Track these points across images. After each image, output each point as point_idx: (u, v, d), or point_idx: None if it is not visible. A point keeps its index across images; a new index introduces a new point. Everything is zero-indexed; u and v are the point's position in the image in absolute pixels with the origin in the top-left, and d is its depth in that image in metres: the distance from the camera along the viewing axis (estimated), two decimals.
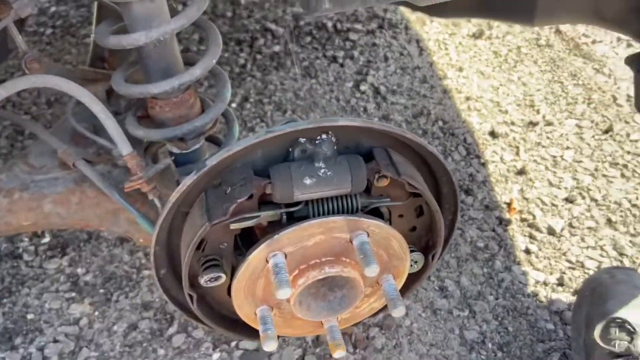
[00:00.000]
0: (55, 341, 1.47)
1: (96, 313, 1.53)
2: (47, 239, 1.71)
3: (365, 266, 0.76)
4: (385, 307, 1.00)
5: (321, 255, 0.82)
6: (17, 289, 1.59)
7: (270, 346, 0.81)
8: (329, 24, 2.50)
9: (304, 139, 0.80)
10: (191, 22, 0.97)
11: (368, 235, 0.80)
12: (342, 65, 2.31)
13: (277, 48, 2.41)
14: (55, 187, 1.13)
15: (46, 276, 1.62)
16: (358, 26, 2.49)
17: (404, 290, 1.02)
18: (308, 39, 2.45)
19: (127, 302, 1.55)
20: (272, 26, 2.50)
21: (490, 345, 1.45)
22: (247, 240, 0.86)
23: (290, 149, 0.81)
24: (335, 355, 0.86)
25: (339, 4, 0.93)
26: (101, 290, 1.58)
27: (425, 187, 0.86)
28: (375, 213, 0.88)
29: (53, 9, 2.70)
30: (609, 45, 2.37)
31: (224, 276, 0.84)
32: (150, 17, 0.95)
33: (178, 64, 1.05)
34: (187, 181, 0.78)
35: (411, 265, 0.94)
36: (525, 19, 1.16)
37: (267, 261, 0.79)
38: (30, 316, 1.53)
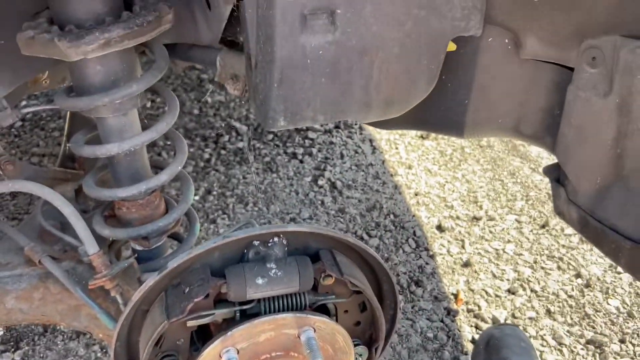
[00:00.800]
0: None
1: None
2: (0, 333, 1.70)
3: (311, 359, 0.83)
4: None
5: (271, 351, 0.89)
6: None
7: None
8: None
9: (258, 242, 0.90)
10: (160, 135, 1.08)
11: (315, 330, 0.88)
12: (301, 161, 2.47)
13: (240, 144, 2.56)
14: (20, 284, 1.17)
15: None
16: (317, 126, 2.68)
17: None
18: (270, 136, 2.61)
19: None
20: (237, 124, 2.67)
21: None
22: (203, 336, 0.92)
23: (245, 251, 0.91)
24: None
25: (292, 122, 1.07)
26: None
27: (367, 285, 0.96)
28: (323, 309, 0.97)
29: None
30: None
31: None
32: (123, 130, 1.06)
33: (146, 170, 1.15)
34: (149, 282, 0.86)
35: (356, 358, 1.02)
36: (456, 133, 1.33)
37: (220, 357, 0.86)
38: None
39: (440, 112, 1.31)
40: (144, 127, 1.10)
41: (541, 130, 1.28)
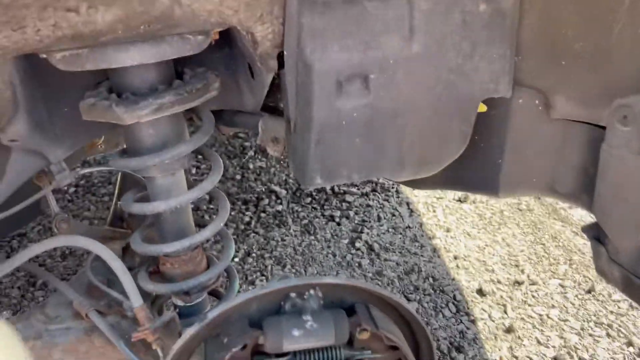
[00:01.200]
0: None
1: None
2: None
3: None
4: None
5: None
6: None
7: None
8: (328, 187, 2.74)
9: (294, 294, 0.93)
10: (205, 193, 1.15)
11: None
12: (338, 224, 2.50)
13: (279, 207, 2.62)
14: (67, 337, 1.22)
15: None
16: (354, 189, 2.73)
17: None
18: (308, 199, 2.67)
19: None
20: (277, 188, 2.75)
21: None
22: None
23: (282, 303, 0.93)
24: None
25: (329, 180, 1.12)
26: None
27: (403, 340, 0.95)
28: None
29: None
30: (585, 210, 2.57)
31: None
32: (170, 189, 1.13)
33: (190, 227, 1.21)
34: (190, 331, 0.89)
35: None
36: (491, 192, 1.34)
37: None
38: None
39: (474, 171, 1.33)
40: (190, 187, 1.17)
41: (577, 188, 1.28)
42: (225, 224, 1.35)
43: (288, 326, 0.89)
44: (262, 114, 1.28)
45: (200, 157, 2.55)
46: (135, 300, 1.09)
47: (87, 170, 1.19)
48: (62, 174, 1.17)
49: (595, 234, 1.34)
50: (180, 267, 1.22)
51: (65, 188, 2.82)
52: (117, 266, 1.07)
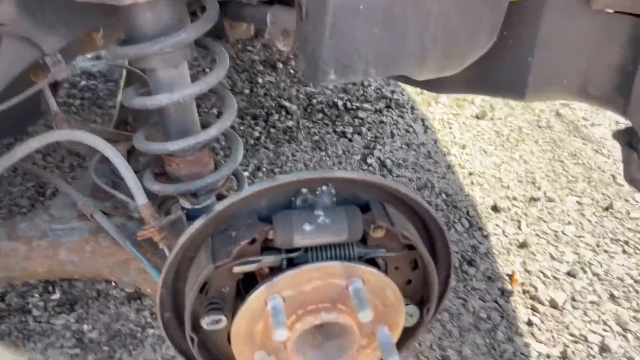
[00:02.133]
0: None
1: None
2: (57, 295, 1.75)
3: (359, 311, 0.79)
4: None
5: (318, 302, 0.86)
6: (22, 344, 1.61)
7: None
8: (340, 103, 2.65)
9: (306, 190, 0.87)
10: (209, 88, 1.07)
11: (363, 282, 0.84)
12: (350, 140, 2.43)
13: (290, 123, 2.55)
14: (72, 237, 1.19)
15: (52, 332, 1.64)
16: (367, 105, 2.63)
17: (401, 345, 1.04)
18: (319, 115, 2.58)
19: (130, 359, 1.56)
20: (287, 103, 2.65)
21: None
22: (249, 287, 0.90)
23: (293, 199, 0.88)
24: None
25: (343, 75, 1.04)
26: (105, 348, 1.59)
27: (419, 239, 0.91)
28: (372, 264, 0.93)
29: (83, 82, 2.90)
30: (608, 128, 2.48)
31: (224, 319, 0.87)
32: (173, 82, 1.05)
33: (195, 125, 1.14)
34: (196, 224, 0.84)
35: (406, 319, 0.97)
36: (517, 95, 1.25)
37: (266, 304, 0.83)
38: None
39: (500, 71, 1.24)
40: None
41: (611, 90, 1.19)
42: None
43: (299, 220, 0.84)
44: (270, 5, 1.18)
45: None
46: (140, 198, 1.04)
47: (85, 65, 1.10)
48: (57, 66, 1.09)
49: (628, 139, 1.26)
50: (187, 167, 1.16)
51: (71, 100, 2.75)
52: (120, 162, 1.02)
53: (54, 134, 1.02)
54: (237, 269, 0.86)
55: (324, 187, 0.88)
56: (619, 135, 1.26)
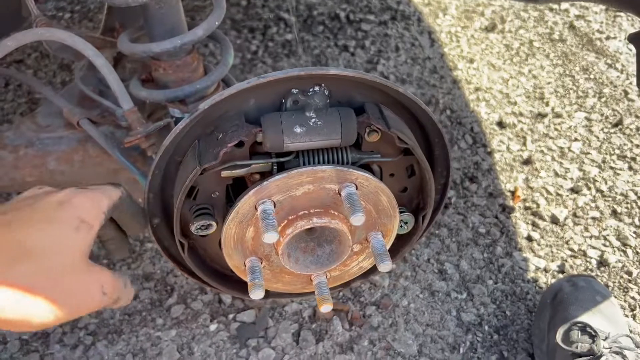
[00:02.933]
0: None
1: None
2: None
3: (351, 214, 0.77)
4: (374, 268, 1.01)
5: (309, 207, 0.83)
6: None
7: (257, 294, 0.82)
8: (342, 15, 2.52)
9: (297, 90, 0.82)
10: None
11: (356, 187, 0.81)
12: (352, 54, 2.33)
13: (289, 36, 2.43)
14: (60, 146, 1.16)
15: None
16: (371, 17, 2.50)
17: (395, 254, 1.02)
18: (320, 28, 2.47)
19: (129, 272, 1.58)
20: (285, 15, 2.53)
21: (487, 327, 1.44)
22: (238, 192, 0.87)
23: (283, 100, 0.83)
24: (322, 309, 0.86)
25: None
26: (104, 261, 1.60)
27: (416, 143, 0.86)
28: (366, 170, 0.89)
29: None
30: (623, 41, 2.35)
31: (214, 225, 0.85)
32: None
33: (182, 26, 1.07)
34: (181, 125, 0.80)
35: (401, 226, 0.95)
36: None
37: (256, 209, 0.81)
38: None
39: None
40: None
41: None
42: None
43: (289, 122, 0.79)
44: None
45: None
46: (125, 103, 0.99)
47: None
48: None
49: None
50: (175, 72, 1.10)
51: (61, 14, 2.63)
52: (101, 63, 0.96)
53: (31, 32, 0.96)
54: (225, 173, 0.82)
55: (317, 88, 0.82)
56: (634, 37, 1.18)
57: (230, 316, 1.46)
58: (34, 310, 0.62)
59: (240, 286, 1.04)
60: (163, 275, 1.56)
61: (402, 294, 1.51)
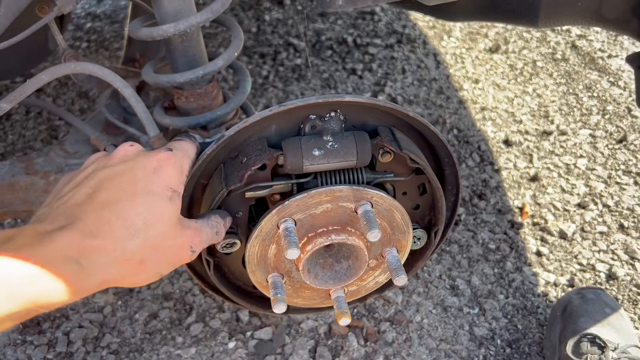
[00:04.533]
0: (80, 327, 1.54)
1: (119, 302, 1.60)
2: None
3: (368, 231, 0.81)
4: (389, 283, 1.05)
5: (328, 224, 0.88)
6: None
7: (280, 308, 0.86)
8: (349, 39, 2.60)
9: (314, 116, 0.88)
10: (215, 17, 1.06)
11: (372, 205, 0.86)
12: (360, 77, 2.40)
13: (298, 61, 2.51)
14: None
15: None
16: (377, 41, 2.58)
17: (409, 268, 1.07)
18: (329, 52, 2.54)
19: (148, 292, 1.62)
20: (295, 41, 2.61)
21: (499, 341, 1.48)
22: (261, 212, 0.93)
23: (302, 125, 0.89)
24: (341, 322, 0.91)
25: (351, 1, 1.01)
26: None
27: (427, 163, 0.92)
28: (381, 189, 0.94)
29: (89, 25, 2.87)
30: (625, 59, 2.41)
31: (238, 243, 0.90)
32: (178, 11, 1.04)
33: (203, 57, 1.14)
34: (207, 150, 0.86)
35: (414, 242, 0.99)
36: (530, 20, 1.22)
37: (278, 227, 0.86)
38: None
39: None
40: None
41: (627, 12, 1.15)
42: None
43: (308, 146, 0.85)
44: None
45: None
46: (151, 129, 1.05)
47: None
48: None
49: None
50: (196, 100, 1.17)
51: (77, 43, 2.73)
52: (129, 93, 1.02)
53: (64, 66, 1.03)
54: (249, 194, 0.88)
55: (333, 113, 0.88)
56: (631, 59, 1.23)
57: (248, 334, 1.50)
58: (142, 277, 0.73)
59: (261, 302, 1.08)
60: (182, 295, 1.61)
61: (416, 309, 1.55)
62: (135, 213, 0.70)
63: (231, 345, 1.49)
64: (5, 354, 1.50)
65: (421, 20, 2.73)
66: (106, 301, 1.61)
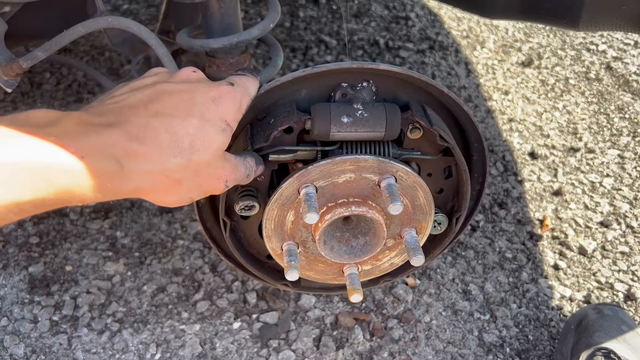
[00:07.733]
0: (88, 292, 1.54)
1: (129, 273, 1.60)
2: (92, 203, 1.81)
3: (390, 203, 0.80)
4: (405, 266, 1.03)
5: (349, 195, 0.86)
6: (60, 243, 1.68)
7: (292, 275, 0.85)
8: (381, 41, 2.59)
9: (346, 84, 0.86)
10: None
11: (396, 180, 0.85)
12: None
13: (328, 57, 2.51)
14: None
15: (87, 235, 1.71)
16: (409, 45, 2.57)
17: (426, 254, 1.04)
18: (360, 52, 2.54)
19: (159, 266, 1.62)
20: (326, 38, 2.62)
21: (508, 350, 1.44)
22: (282, 179, 0.91)
23: (332, 93, 0.88)
24: (352, 299, 0.89)
25: None
26: (136, 254, 1.65)
27: (455, 144, 0.90)
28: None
29: (125, 6, 2.91)
30: None
31: (257, 206, 0.89)
32: None
33: (238, 25, 1.14)
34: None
35: (434, 227, 0.97)
36: (571, 22, 1.20)
37: (298, 193, 0.85)
38: (68, 268, 1.61)
39: None
40: None
41: None
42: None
43: (337, 112, 0.84)
44: None
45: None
46: None
47: None
48: None
49: None
50: (227, 70, 1.16)
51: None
52: (163, 52, 1.03)
53: (101, 19, 1.03)
54: (273, 157, 0.87)
55: (365, 83, 0.87)
56: None
57: (254, 316, 1.49)
58: (174, 198, 0.73)
59: (273, 273, 1.07)
60: (192, 272, 1.60)
61: (425, 310, 1.52)
62: (185, 132, 0.69)
63: (236, 325, 1.48)
64: (12, 311, 1.50)
65: (455, 29, 2.72)
66: (116, 270, 1.61)
